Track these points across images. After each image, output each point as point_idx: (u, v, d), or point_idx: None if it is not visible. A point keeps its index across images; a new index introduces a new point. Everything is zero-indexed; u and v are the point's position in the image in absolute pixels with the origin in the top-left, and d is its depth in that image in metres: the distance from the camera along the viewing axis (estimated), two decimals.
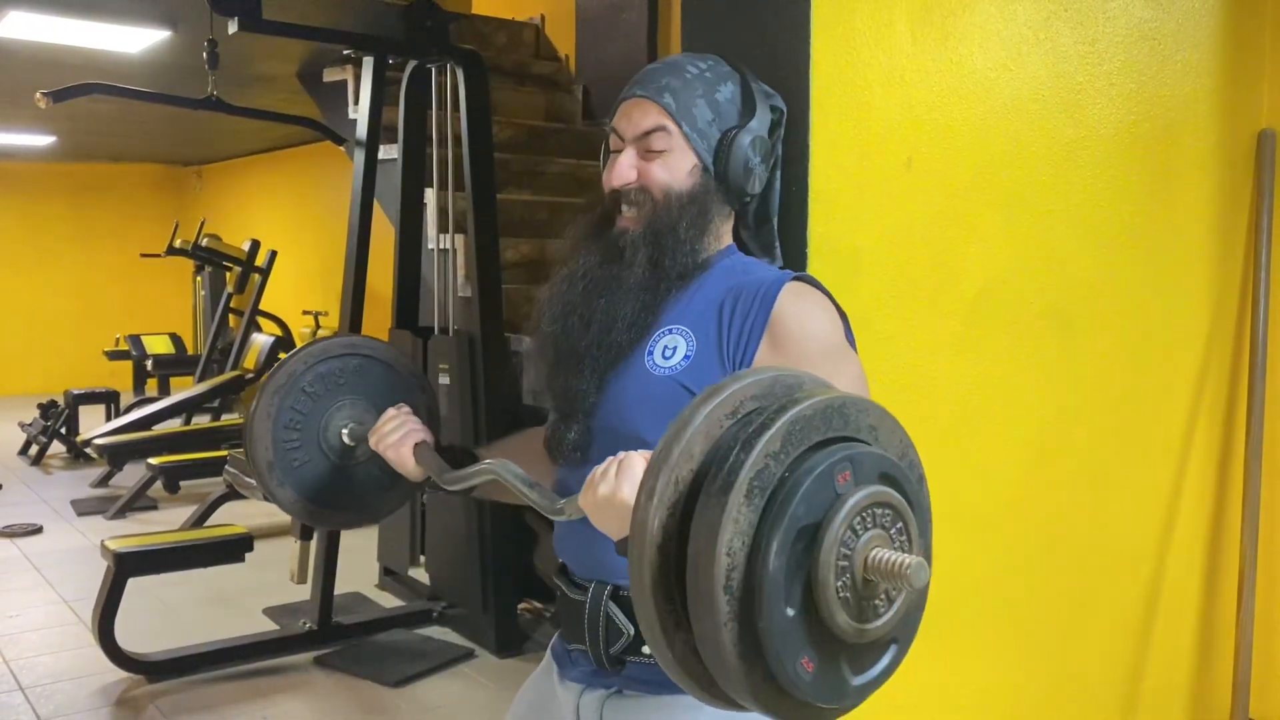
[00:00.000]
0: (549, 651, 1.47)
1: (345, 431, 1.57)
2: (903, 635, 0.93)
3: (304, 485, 1.57)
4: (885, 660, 0.92)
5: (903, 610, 0.90)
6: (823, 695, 0.87)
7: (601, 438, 1.33)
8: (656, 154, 1.32)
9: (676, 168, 1.33)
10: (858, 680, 0.90)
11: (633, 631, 1.30)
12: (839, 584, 0.84)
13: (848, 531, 0.84)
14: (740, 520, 0.83)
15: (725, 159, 1.33)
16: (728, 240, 1.41)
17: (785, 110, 1.43)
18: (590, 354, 1.32)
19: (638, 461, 1.06)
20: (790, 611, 0.83)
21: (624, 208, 1.35)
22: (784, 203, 1.70)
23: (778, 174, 1.48)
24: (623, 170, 1.34)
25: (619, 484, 1.05)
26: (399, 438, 1.45)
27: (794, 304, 1.27)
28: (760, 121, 1.36)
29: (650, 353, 1.30)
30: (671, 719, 1.29)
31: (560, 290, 1.37)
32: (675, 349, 1.29)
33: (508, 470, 1.25)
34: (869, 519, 0.86)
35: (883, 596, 0.87)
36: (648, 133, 1.32)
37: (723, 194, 1.36)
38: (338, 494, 1.60)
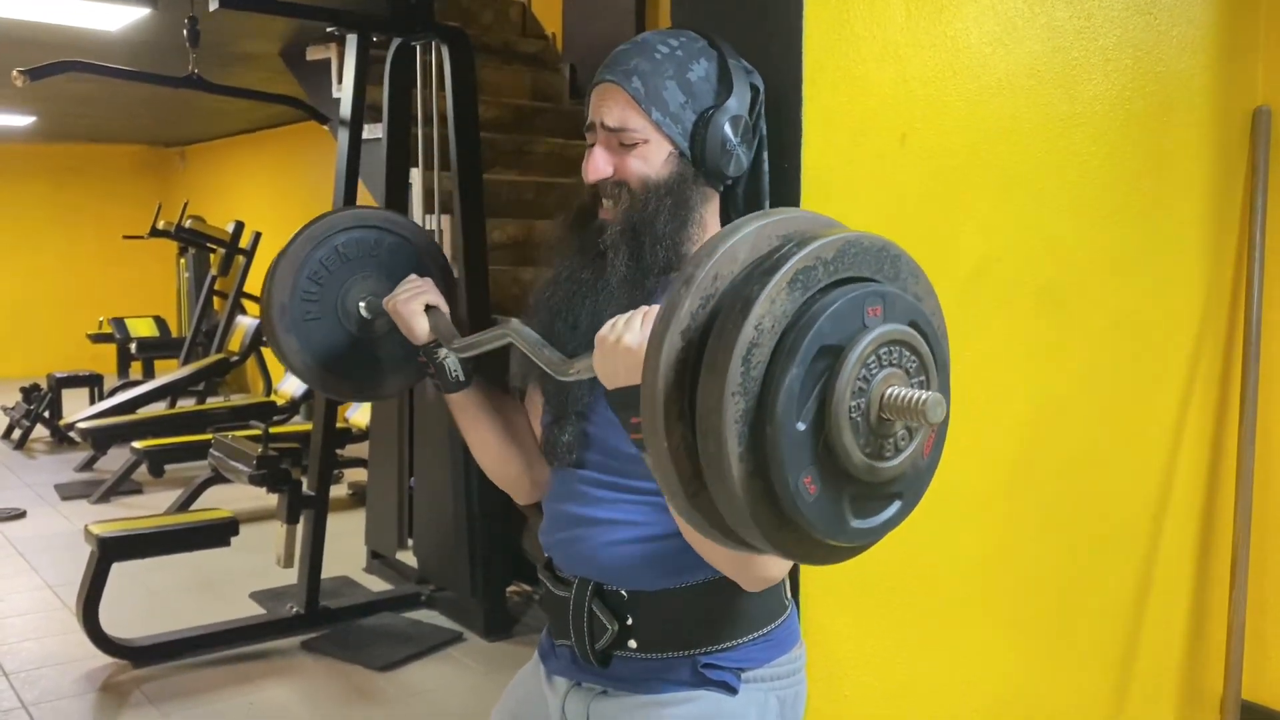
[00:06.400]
0: (537, 648, 1.46)
1: (363, 304, 1.58)
2: (908, 493, 0.92)
3: (311, 342, 1.57)
4: (888, 512, 0.91)
5: (910, 461, 0.88)
6: (821, 521, 0.85)
7: (596, 443, 1.32)
8: (630, 147, 1.29)
9: (652, 158, 1.29)
10: (857, 522, 0.88)
11: (616, 628, 1.29)
12: (853, 405, 0.83)
13: (870, 357, 0.84)
14: (777, 304, 0.82)
15: (702, 142, 1.29)
16: (715, 227, 1.37)
17: (763, 88, 1.39)
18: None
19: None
20: (801, 426, 0.82)
21: (603, 201, 1.32)
22: (776, 180, 1.67)
23: (764, 155, 1.43)
24: (597, 165, 1.30)
25: (644, 326, 1.05)
26: (411, 295, 1.45)
27: None
28: (739, 100, 1.30)
29: None
30: (657, 716, 1.29)
31: (545, 296, 1.35)
32: None
33: (520, 331, 1.24)
34: (891, 355, 0.85)
35: (892, 442, 0.87)
36: (618, 128, 1.28)
37: (703, 178, 1.31)
38: (343, 362, 1.59)
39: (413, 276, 1.50)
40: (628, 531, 1.28)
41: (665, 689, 1.29)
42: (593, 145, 1.32)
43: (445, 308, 1.47)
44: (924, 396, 0.82)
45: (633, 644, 1.29)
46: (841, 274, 0.85)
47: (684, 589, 1.28)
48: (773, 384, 0.81)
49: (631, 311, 1.09)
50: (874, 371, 0.84)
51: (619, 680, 1.32)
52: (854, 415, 0.83)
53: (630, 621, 1.29)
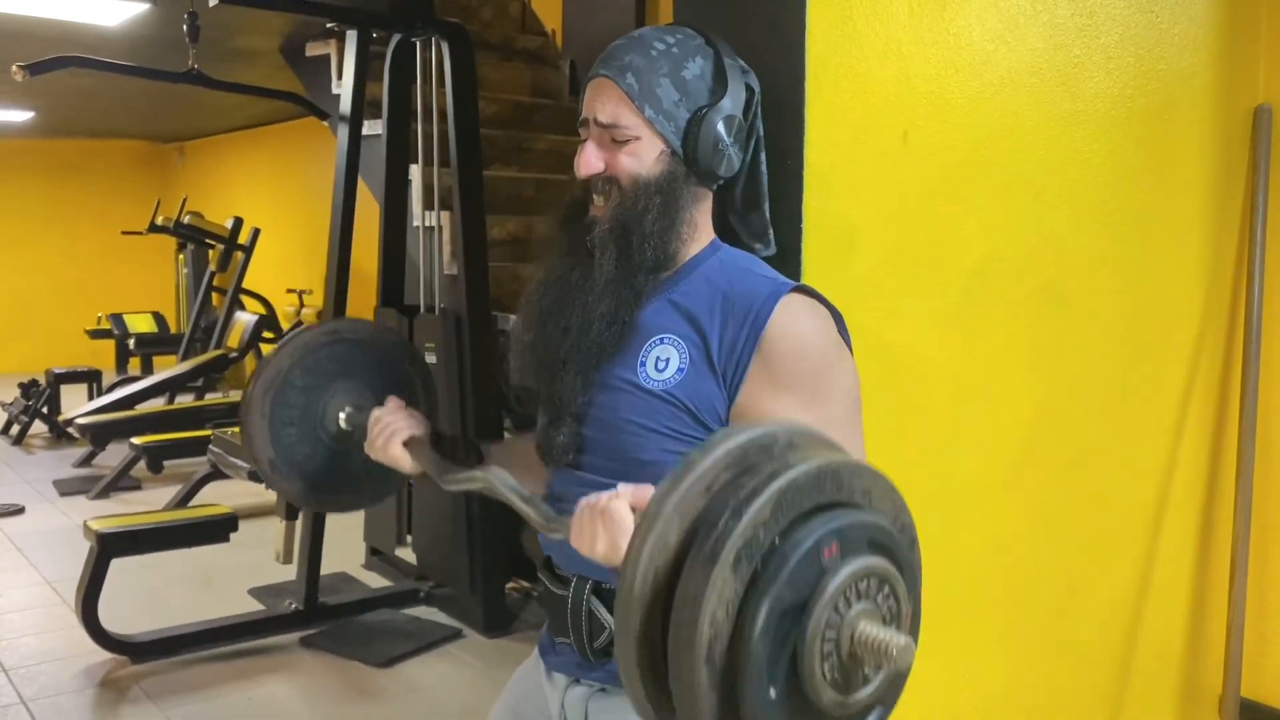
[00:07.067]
0: (537, 644, 1.46)
1: (342, 417, 1.56)
2: (888, 698, 0.92)
3: (310, 475, 1.57)
4: None
5: (889, 678, 0.89)
6: None
7: (596, 447, 1.31)
8: (622, 143, 1.28)
9: (644, 156, 1.28)
10: None
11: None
12: (824, 667, 0.83)
13: (835, 607, 0.83)
14: (725, 590, 0.82)
15: (694, 141, 1.28)
16: (707, 232, 1.36)
17: (759, 88, 1.38)
18: (572, 357, 1.29)
19: (622, 512, 1.05)
20: (773, 693, 0.82)
21: (594, 196, 1.32)
22: (778, 178, 1.66)
23: (761, 155, 1.42)
24: (589, 160, 1.30)
25: (606, 535, 1.05)
26: (385, 439, 1.44)
27: (787, 322, 1.23)
28: (734, 100, 1.30)
29: (643, 364, 1.27)
30: None
31: (535, 298, 1.35)
32: (668, 361, 1.26)
33: (502, 481, 1.24)
34: (856, 591, 0.85)
35: (870, 668, 0.86)
36: (611, 124, 1.28)
37: (694, 178, 1.31)
38: (343, 478, 1.59)
39: (378, 414, 1.48)
40: None
41: None
42: (586, 140, 1.32)
43: (422, 429, 1.46)
44: (894, 643, 0.82)
45: None
46: (785, 522, 0.83)
47: None
48: (739, 663, 0.81)
49: (594, 508, 1.06)
50: (846, 608, 0.84)
51: (618, 677, 1.32)
52: (828, 675, 0.83)
53: None
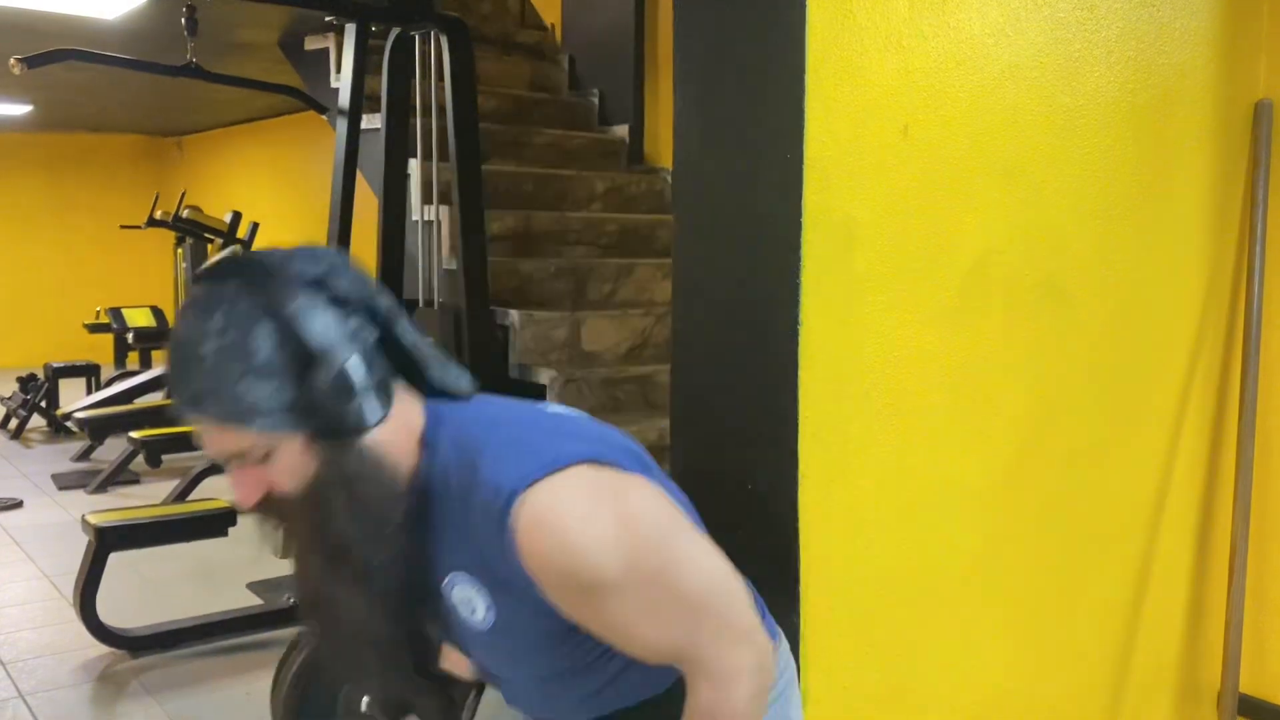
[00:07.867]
0: None
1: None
2: None
3: None
4: None
5: None
6: None
7: (504, 679, 1.30)
8: (263, 460, 1.08)
9: (288, 462, 1.08)
10: None
11: None
12: None
13: None
14: None
15: (325, 414, 1.06)
16: (415, 422, 1.15)
17: (354, 275, 1.12)
18: (421, 640, 1.23)
19: None
20: None
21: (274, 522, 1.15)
22: (778, 172, 1.67)
23: (400, 322, 1.15)
24: (247, 492, 1.11)
25: None
26: None
27: (539, 550, 1.05)
28: (338, 339, 1.06)
29: (455, 608, 1.17)
30: None
31: (331, 610, 1.21)
32: (472, 603, 1.16)
33: None
34: None
35: None
36: (234, 454, 1.08)
37: (351, 439, 1.09)
38: None
39: None
40: (576, 695, 1.26)
41: None
42: (230, 467, 1.12)
43: None
44: None
45: None
46: None
47: (651, 700, 1.26)
48: None
49: None
50: None
51: None
52: None
53: None
